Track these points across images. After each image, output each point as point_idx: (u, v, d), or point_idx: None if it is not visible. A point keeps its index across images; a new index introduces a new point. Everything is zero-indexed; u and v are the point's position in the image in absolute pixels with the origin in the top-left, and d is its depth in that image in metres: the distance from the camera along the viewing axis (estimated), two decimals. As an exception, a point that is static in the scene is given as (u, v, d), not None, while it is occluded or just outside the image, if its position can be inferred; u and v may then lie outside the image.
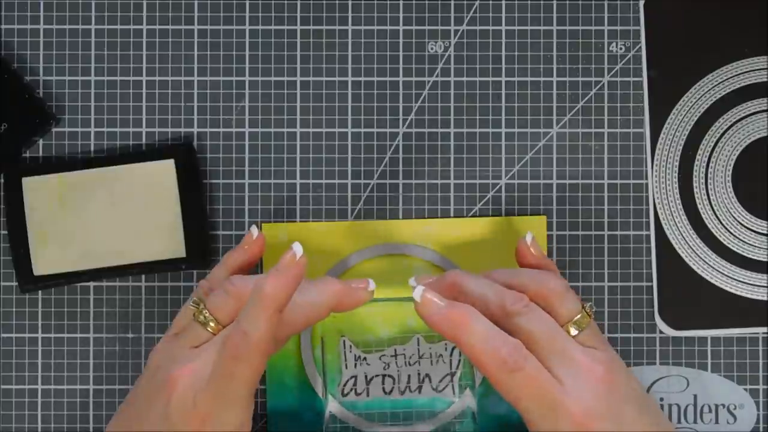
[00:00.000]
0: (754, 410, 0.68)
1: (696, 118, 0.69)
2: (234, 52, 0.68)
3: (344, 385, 0.65)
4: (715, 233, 0.68)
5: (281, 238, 0.68)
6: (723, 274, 0.68)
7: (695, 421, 0.68)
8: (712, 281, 0.68)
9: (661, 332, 0.68)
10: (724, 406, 0.68)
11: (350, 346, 0.65)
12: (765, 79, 0.68)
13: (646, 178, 0.69)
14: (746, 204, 0.68)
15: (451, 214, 0.68)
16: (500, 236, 0.68)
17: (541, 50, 0.69)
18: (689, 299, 0.68)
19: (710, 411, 0.68)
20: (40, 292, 0.68)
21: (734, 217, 0.68)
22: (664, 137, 0.69)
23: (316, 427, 0.67)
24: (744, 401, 0.68)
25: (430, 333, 0.65)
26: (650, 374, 0.68)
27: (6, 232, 0.68)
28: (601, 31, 0.69)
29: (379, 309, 0.66)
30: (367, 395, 0.65)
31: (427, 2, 0.69)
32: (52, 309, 0.68)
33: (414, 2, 0.69)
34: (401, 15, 0.69)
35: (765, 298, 0.68)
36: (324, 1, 0.69)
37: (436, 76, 0.69)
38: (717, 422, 0.68)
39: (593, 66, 0.69)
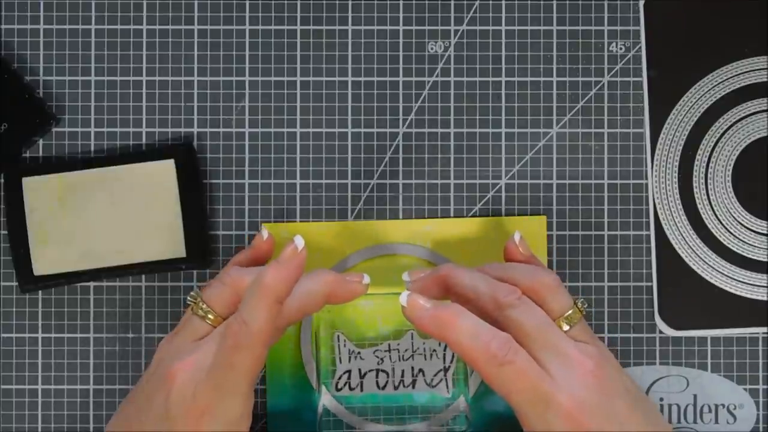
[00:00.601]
0: (754, 410, 0.68)
1: (696, 118, 0.69)
2: (234, 52, 0.68)
3: (338, 380, 0.65)
4: (715, 233, 0.68)
5: (281, 238, 0.68)
6: (723, 274, 0.68)
7: (695, 421, 0.68)
8: (712, 281, 0.68)
9: (661, 332, 0.68)
10: (724, 406, 0.68)
11: (344, 341, 0.65)
12: (765, 79, 0.68)
13: (646, 178, 0.69)
14: (746, 204, 0.68)
15: (451, 214, 0.68)
16: (500, 236, 0.68)
17: (541, 50, 0.69)
18: (689, 299, 0.68)
19: (710, 411, 0.68)
20: (40, 292, 0.68)
21: (734, 217, 0.68)
22: (664, 137, 0.69)
23: (316, 427, 0.67)
24: (744, 401, 0.68)
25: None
26: (650, 374, 0.68)
27: (6, 232, 0.68)
28: (601, 31, 0.69)
29: (374, 304, 0.66)
30: (361, 390, 0.65)
31: (427, 2, 0.69)
32: (52, 309, 0.68)
33: (414, 2, 0.69)
34: (401, 15, 0.69)
35: (765, 298, 0.68)
36: (324, 1, 0.69)
37: (436, 76, 0.69)
38: (717, 422, 0.68)
39: (593, 66, 0.69)
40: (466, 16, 0.69)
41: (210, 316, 0.60)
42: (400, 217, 0.68)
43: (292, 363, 0.68)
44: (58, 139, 0.68)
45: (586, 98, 0.69)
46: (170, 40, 0.68)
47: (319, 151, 0.68)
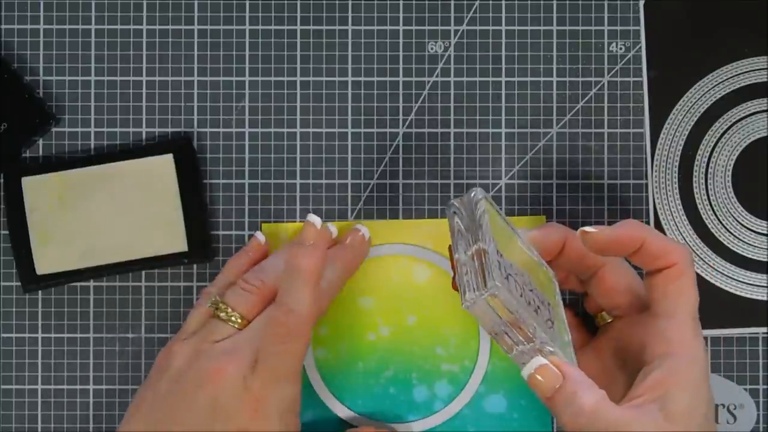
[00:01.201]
0: (754, 410, 0.68)
1: (696, 118, 0.69)
2: (234, 52, 0.68)
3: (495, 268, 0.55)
4: (715, 233, 0.68)
5: (281, 238, 0.68)
6: (723, 274, 0.68)
7: (695, 421, 0.68)
8: (712, 281, 0.68)
9: (661, 332, 0.68)
10: (724, 406, 0.68)
11: (500, 256, 0.56)
12: (765, 79, 0.68)
13: (646, 178, 0.69)
14: (746, 204, 0.68)
15: (451, 214, 0.68)
16: (500, 236, 0.68)
17: (541, 50, 0.69)
18: (689, 299, 0.68)
19: (710, 411, 0.68)
20: (40, 292, 0.68)
21: (734, 217, 0.68)
22: (664, 137, 0.69)
23: (317, 427, 0.67)
24: (744, 401, 0.68)
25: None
26: (650, 374, 0.68)
27: (7, 232, 0.68)
28: (601, 31, 0.69)
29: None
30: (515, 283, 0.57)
31: (427, 2, 0.69)
32: (52, 309, 0.68)
33: (414, 2, 0.69)
34: (401, 15, 0.69)
35: (765, 298, 0.68)
36: (324, 1, 0.69)
37: (436, 76, 0.69)
38: (717, 422, 0.68)
39: (593, 66, 0.69)
40: (466, 16, 0.69)
41: (237, 319, 0.62)
42: (400, 217, 0.68)
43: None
44: (58, 139, 0.68)
45: (586, 98, 0.69)
46: (170, 40, 0.68)
47: (319, 151, 0.68)
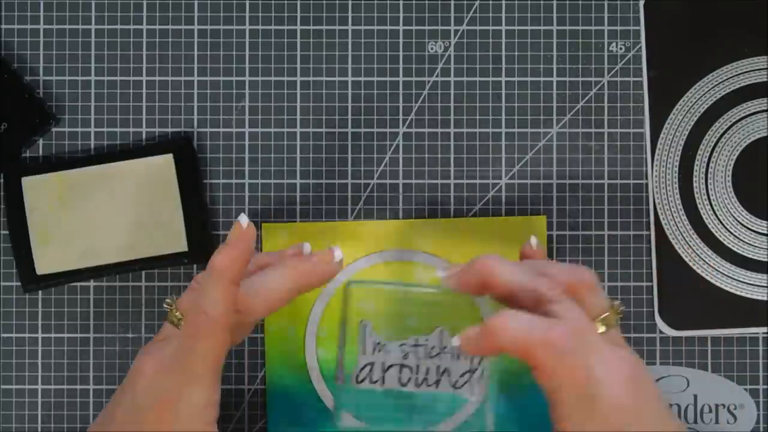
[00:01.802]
0: (754, 410, 0.68)
1: (696, 118, 0.69)
2: (234, 52, 0.68)
3: (360, 371, 0.63)
4: (715, 233, 0.68)
5: (281, 238, 0.68)
6: (723, 274, 0.68)
7: (695, 421, 0.68)
8: (712, 281, 0.68)
9: (661, 332, 0.68)
10: (724, 406, 0.68)
11: (370, 331, 0.63)
12: (765, 79, 0.68)
13: (646, 178, 0.69)
14: (746, 204, 0.68)
15: (451, 214, 0.68)
16: (500, 236, 0.68)
17: (541, 50, 0.69)
18: (689, 299, 0.68)
19: (710, 411, 0.68)
20: (40, 292, 0.68)
21: (734, 217, 0.68)
22: (664, 137, 0.69)
23: (316, 427, 0.67)
24: (744, 401, 0.68)
25: (455, 326, 0.64)
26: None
27: (7, 232, 0.68)
28: (601, 31, 0.69)
29: (404, 296, 0.65)
30: (383, 383, 0.63)
31: (427, 2, 0.69)
32: (52, 309, 0.68)
33: (414, 2, 0.69)
34: (401, 15, 0.69)
35: (765, 298, 0.68)
36: (324, 1, 0.69)
37: (436, 76, 0.69)
38: (717, 422, 0.68)
39: (593, 66, 0.69)
40: (466, 16, 0.69)
41: (176, 318, 0.60)
42: (400, 217, 0.68)
43: (294, 363, 0.68)
44: (58, 139, 0.68)
45: (586, 98, 0.69)
46: (170, 40, 0.68)
47: (319, 151, 0.68)
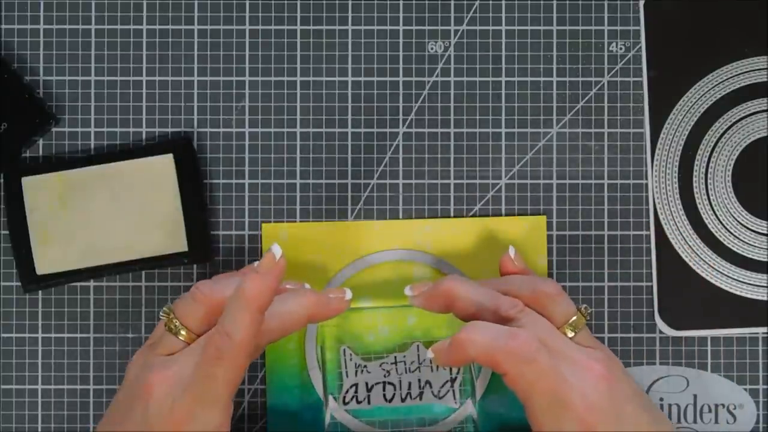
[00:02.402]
0: (754, 410, 0.68)
1: (696, 118, 0.69)
2: (234, 52, 0.68)
3: (345, 394, 0.65)
4: (715, 233, 0.68)
5: (281, 238, 0.68)
6: (723, 274, 0.68)
7: (695, 421, 0.68)
8: (713, 281, 0.68)
9: (661, 332, 0.68)
10: (724, 406, 0.68)
11: (350, 355, 0.65)
12: (765, 79, 0.68)
13: (646, 178, 0.69)
14: (746, 204, 0.68)
15: (451, 214, 0.68)
16: (500, 236, 0.68)
17: (541, 50, 0.69)
18: (689, 299, 0.68)
19: (710, 411, 0.68)
20: (40, 292, 0.68)
21: (734, 217, 0.68)
22: (664, 137, 0.69)
23: (316, 427, 0.67)
24: (744, 401, 0.68)
25: (429, 340, 0.65)
26: (650, 374, 0.68)
27: (7, 232, 0.68)
28: (601, 31, 0.69)
29: (379, 316, 0.66)
30: (369, 403, 0.65)
31: (427, 2, 0.69)
32: (52, 309, 0.68)
33: (414, 2, 0.69)
34: (401, 15, 0.69)
35: (765, 298, 0.68)
36: (324, 1, 0.69)
37: (436, 76, 0.69)
38: (717, 422, 0.68)
39: (593, 66, 0.69)
40: (466, 16, 0.69)
41: (183, 332, 0.60)
42: (400, 217, 0.68)
43: (294, 363, 0.68)
44: (58, 139, 0.68)
45: (586, 98, 0.69)
46: (170, 40, 0.68)
47: (319, 151, 0.68)
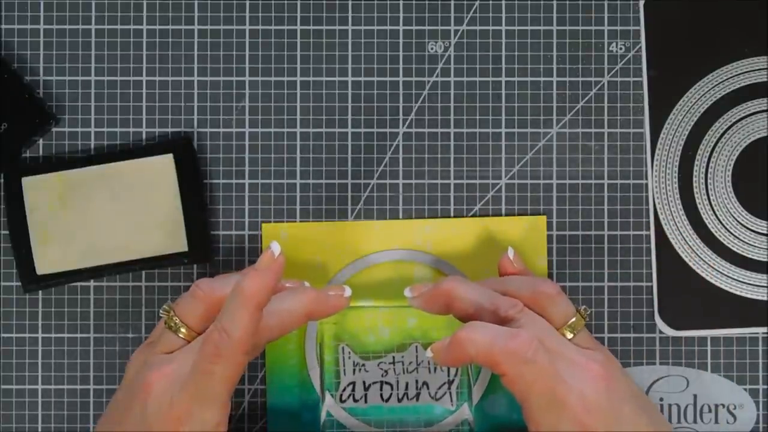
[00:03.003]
0: (754, 410, 0.68)
1: (696, 118, 0.69)
2: (234, 52, 0.68)
3: (342, 392, 0.65)
4: (715, 233, 0.68)
5: (281, 238, 0.68)
6: (723, 274, 0.68)
7: (695, 421, 0.68)
8: (712, 281, 0.68)
9: (661, 332, 0.68)
10: (724, 406, 0.68)
11: (349, 353, 0.65)
12: (765, 79, 0.68)
13: (646, 178, 0.69)
14: (746, 204, 0.68)
15: (451, 214, 0.68)
16: (500, 236, 0.68)
17: (541, 50, 0.69)
18: (689, 299, 0.68)
19: (710, 411, 0.68)
20: (40, 292, 0.68)
21: (734, 217, 0.68)
22: (664, 137, 0.69)
23: (316, 427, 0.67)
24: (744, 401, 0.68)
25: (428, 341, 0.65)
26: (650, 374, 0.68)
27: (7, 232, 0.68)
28: (601, 31, 0.69)
29: (379, 316, 0.66)
30: (365, 402, 0.65)
31: (427, 2, 0.69)
32: (52, 309, 0.68)
33: (414, 2, 0.69)
34: (401, 15, 0.69)
35: (765, 298, 0.68)
36: (324, 1, 0.69)
37: (436, 76, 0.69)
38: (717, 422, 0.68)
39: (593, 66, 0.69)
40: (466, 16, 0.69)
41: (182, 329, 0.60)
42: (400, 217, 0.68)
43: (294, 363, 0.68)
44: (58, 139, 0.68)
45: (586, 98, 0.69)
46: (170, 40, 0.68)
47: (319, 151, 0.68)
